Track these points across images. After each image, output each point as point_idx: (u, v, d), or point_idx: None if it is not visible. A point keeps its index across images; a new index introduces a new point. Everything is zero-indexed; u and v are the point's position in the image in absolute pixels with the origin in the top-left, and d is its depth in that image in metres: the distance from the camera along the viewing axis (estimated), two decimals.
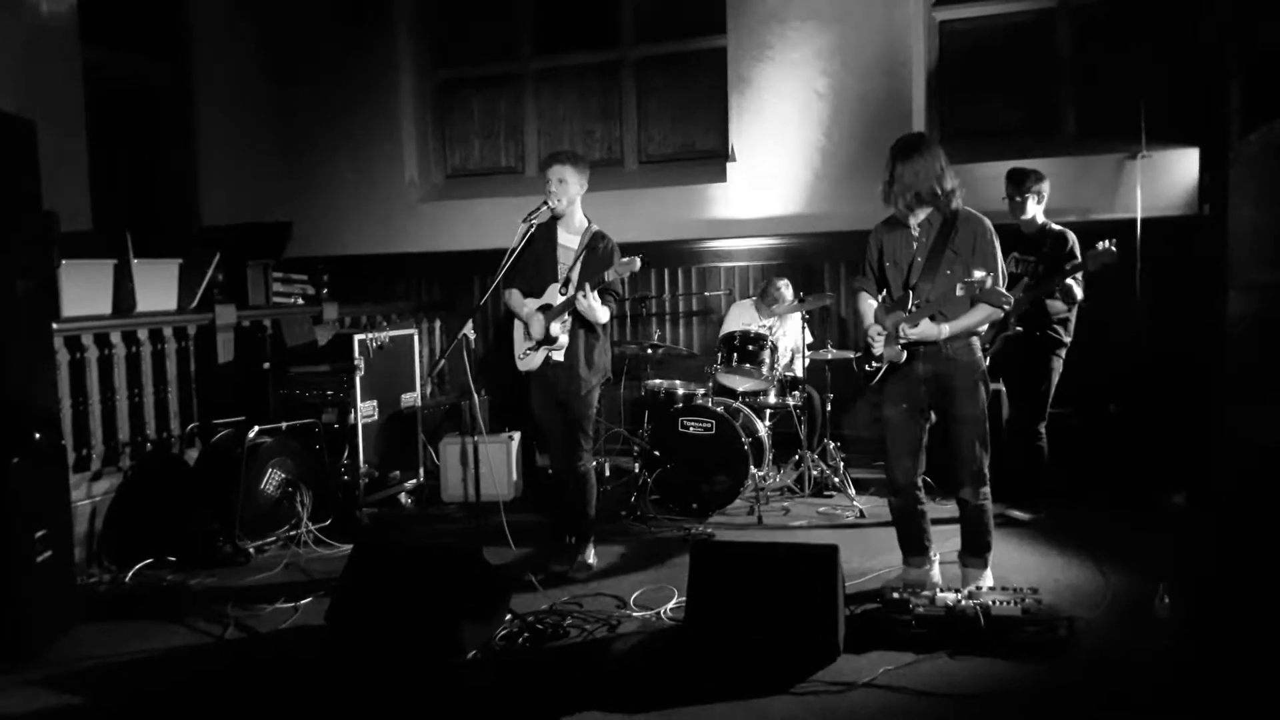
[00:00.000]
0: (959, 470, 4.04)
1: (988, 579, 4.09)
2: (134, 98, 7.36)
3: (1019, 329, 5.14)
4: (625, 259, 4.40)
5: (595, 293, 4.38)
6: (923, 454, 4.13)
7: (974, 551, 4.12)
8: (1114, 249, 4.77)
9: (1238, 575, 4.28)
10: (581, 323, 4.52)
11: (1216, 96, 5.63)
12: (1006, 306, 3.94)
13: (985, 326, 4.06)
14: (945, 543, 4.36)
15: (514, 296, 4.69)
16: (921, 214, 4.00)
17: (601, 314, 4.45)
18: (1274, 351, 4.56)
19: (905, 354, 4.00)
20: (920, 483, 4.16)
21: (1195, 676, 3.36)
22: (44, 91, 6.03)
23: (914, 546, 4.21)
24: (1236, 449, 4.97)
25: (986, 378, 4.05)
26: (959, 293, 3.82)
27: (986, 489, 4.05)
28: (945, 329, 3.91)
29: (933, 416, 4.13)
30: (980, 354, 4.05)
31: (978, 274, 3.78)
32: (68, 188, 6.01)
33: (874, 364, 4.12)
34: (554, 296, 4.53)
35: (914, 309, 3.95)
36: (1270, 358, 4.59)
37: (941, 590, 3.83)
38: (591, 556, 4.68)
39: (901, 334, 3.95)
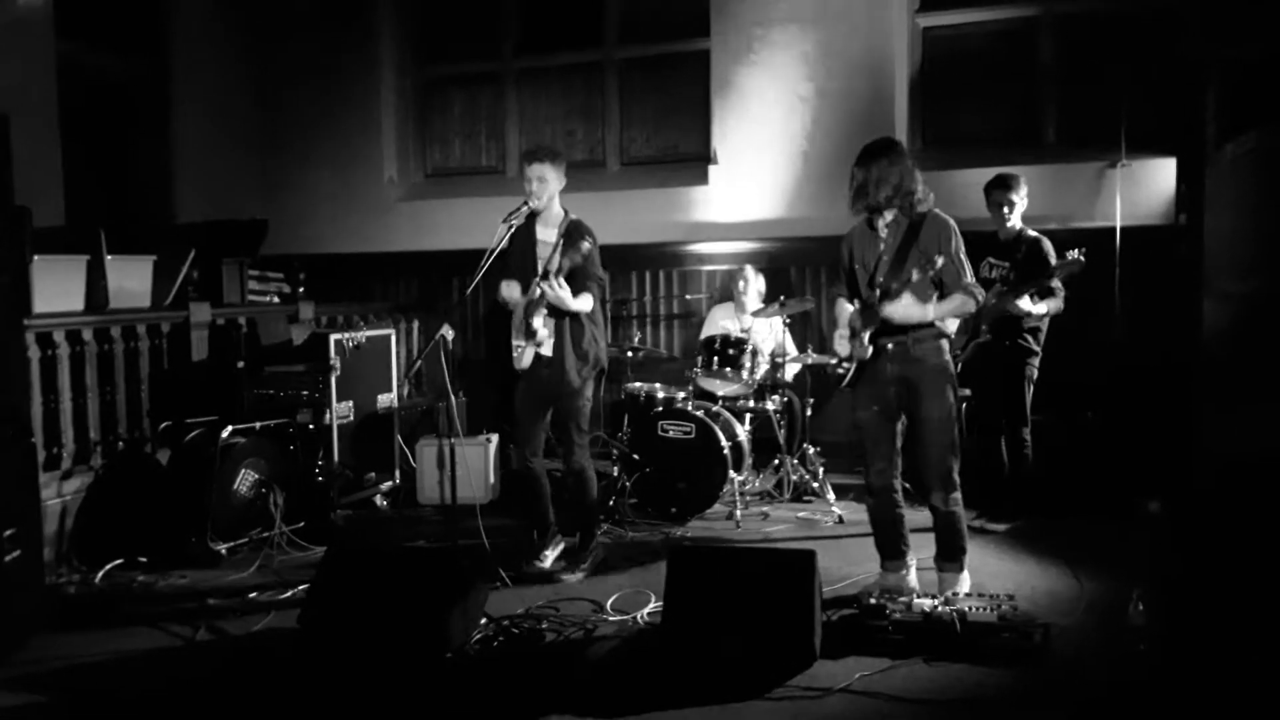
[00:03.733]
0: (927, 475, 4.06)
1: (964, 583, 4.11)
2: (109, 92, 7.28)
3: (989, 336, 5.15)
4: (574, 245, 4.37)
5: (562, 279, 4.35)
6: (899, 456, 4.15)
7: (948, 556, 4.14)
8: (1082, 259, 4.81)
9: (1209, 581, 4.31)
10: (565, 314, 4.49)
11: (1193, 107, 5.68)
12: (980, 296, 3.97)
13: (953, 327, 4.10)
14: (923, 549, 4.37)
15: (504, 289, 4.68)
16: (889, 215, 4.03)
17: (574, 302, 4.42)
18: (1247, 360, 4.60)
19: (871, 349, 4.01)
20: (898, 485, 4.18)
21: (1168, 682, 3.37)
22: (17, 85, 5.94)
23: (890, 550, 4.21)
24: (1210, 456, 5.01)
25: (954, 381, 4.07)
26: (915, 277, 3.84)
27: (957, 494, 4.06)
28: (930, 309, 3.92)
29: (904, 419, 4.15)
30: (949, 356, 4.08)
31: (939, 260, 3.82)
32: (41, 183, 5.94)
33: (844, 365, 4.14)
34: (535, 291, 4.51)
35: (882, 296, 3.94)
36: (1243, 366, 4.63)
37: (918, 596, 3.83)
38: (588, 561, 4.67)
39: (883, 313, 3.92)
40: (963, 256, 4.00)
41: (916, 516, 4.34)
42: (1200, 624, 3.81)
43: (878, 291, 3.98)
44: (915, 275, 3.85)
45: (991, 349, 5.17)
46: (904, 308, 3.90)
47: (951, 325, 4.11)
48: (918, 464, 4.10)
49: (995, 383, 5.26)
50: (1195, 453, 5.30)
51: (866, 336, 4.01)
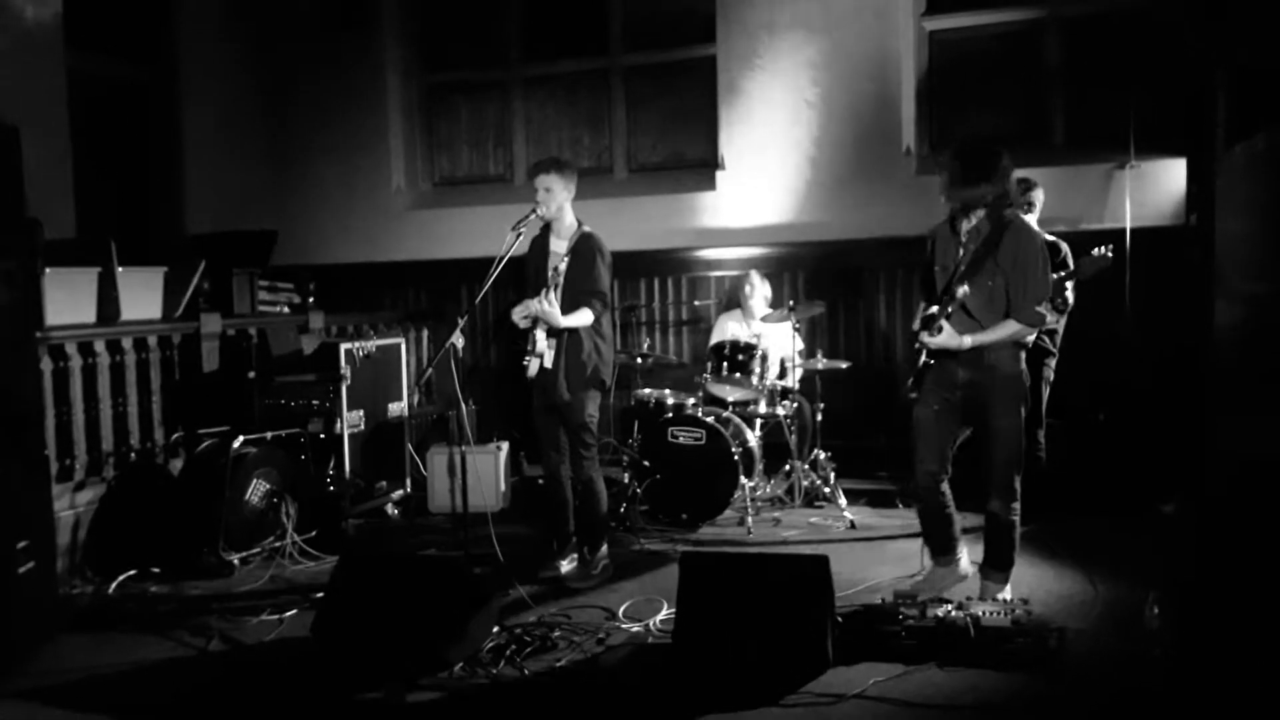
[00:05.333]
0: (989, 483, 4.00)
1: (1007, 595, 4.04)
2: (119, 104, 7.32)
3: None
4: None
5: (553, 297, 4.41)
6: (950, 459, 4.10)
7: (996, 565, 4.08)
8: (1109, 255, 4.78)
9: (1222, 584, 4.27)
10: (560, 329, 4.52)
11: (1203, 108, 5.65)
12: (1037, 326, 3.90)
13: (1030, 338, 4.00)
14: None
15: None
16: (974, 219, 3.95)
17: (564, 320, 4.45)
18: (1258, 362, 4.56)
19: (926, 362, 3.96)
20: (946, 487, 4.12)
21: (1184, 686, 3.35)
22: (28, 97, 5.98)
23: (939, 546, 4.19)
24: (1221, 459, 4.96)
25: (1026, 393, 4.00)
26: (989, 284, 3.80)
27: (1017, 504, 4.01)
28: (967, 340, 3.85)
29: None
30: (1024, 367, 3.99)
31: (961, 290, 3.80)
32: (52, 195, 5.96)
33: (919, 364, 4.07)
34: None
35: (946, 313, 3.89)
36: (1254, 369, 4.59)
37: (931, 603, 3.82)
38: (598, 568, 4.68)
39: (920, 342, 3.94)
40: (1039, 277, 3.86)
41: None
42: (1216, 628, 3.78)
43: (946, 299, 3.90)
44: (988, 283, 3.81)
45: None
46: (940, 340, 3.86)
47: (1030, 335, 3.99)
48: (981, 471, 4.03)
49: None
50: (1207, 455, 5.26)
51: (924, 351, 3.96)
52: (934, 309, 3.94)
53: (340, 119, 7.93)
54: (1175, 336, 5.82)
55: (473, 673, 3.62)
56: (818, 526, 5.50)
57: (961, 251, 3.96)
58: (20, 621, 3.82)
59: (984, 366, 3.91)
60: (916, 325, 4.04)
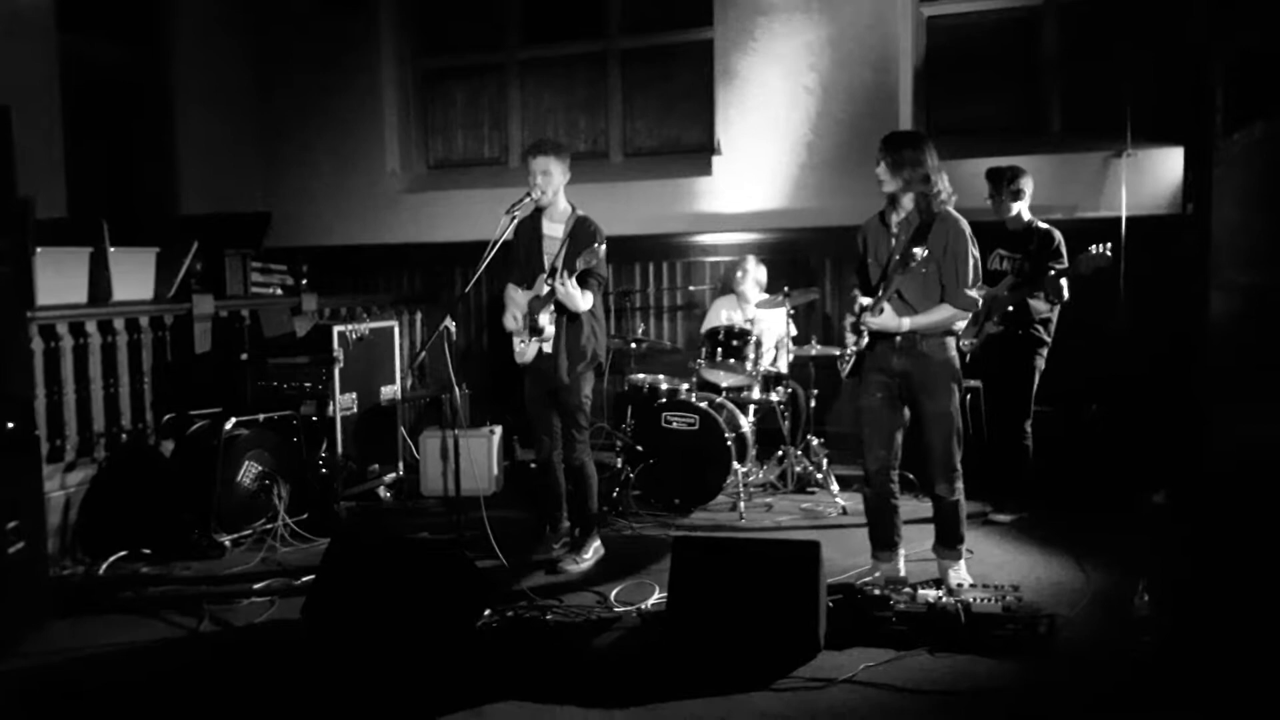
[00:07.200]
0: (930, 466, 4.10)
1: (962, 569, 4.15)
2: (112, 85, 7.27)
3: (1001, 327, 5.13)
4: (589, 248, 4.38)
5: (574, 280, 4.38)
6: (899, 446, 4.18)
7: (947, 544, 4.18)
8: (1109, 253, 4.76)
9: (1216, 573, 4.29)
10: (565, 310, 4.52)
11: (1201, 96, 5.63)
12: (971, 310, 4.02)
13: (961, 325, 4.10)
14: (915, 542, 4.37)
15: (510, 290, 4.70)
16: (903, 212, 4.05)
17: (583, 301, 4.47)
18: (1254, 352, 4.57)
19: (864, 341, 4.08)
20: (895, 475, 4.20)
21: (1174, 673, 3.36)
22: (20, 77, 5.94)
23: (883, 540, 4.24)
24: (1217, 448, 4.98)
25: (958, 375, 4.11)
26: (921, 272, 3.90)
27: (960, 484, 4.10)
28: (906, 322, 3.98)
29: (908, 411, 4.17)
30: (954, 352, 4.10)
31: (942, 260, 3.92)
32: (43, 174, 5.94)
33: (847, 355, 4.19)
34: (542, 288, 4.52)
35: (882, 300, 4.01)
36: (1250, 358, 4.61)
37: (921, 587, 3.83)
38: (590, 552, 4.67)
39: (863, 323, 4.04)
40: (969, 263, 3.98)
41: (917, 507, 4.33)
42: (1206, 615, 3.79)
43: (883, 288, 4.01)
44: (922, 271, 3.90)
45: (1001, 340, 5.15)
46: (880, 320, 3.98)
47: (960, 322, 4.10)
48: (921, 456, 4.13)
49: (1005, 373, 5.24)
50: (1202, 446, 5.27)
51: (865, 333, 4.07)
52: (867, 300, 4.06)
53: (335, 101, 7.89)
54: (1170, 326, 5.82)
55: (464, 655, 3.62)
56: (810, 512, 5.51)
57: (894, 242, 4.07)
58: (10, 602, 3.81)
59: (917, 354, 4.02)
60: (856, 309, 4.13)
